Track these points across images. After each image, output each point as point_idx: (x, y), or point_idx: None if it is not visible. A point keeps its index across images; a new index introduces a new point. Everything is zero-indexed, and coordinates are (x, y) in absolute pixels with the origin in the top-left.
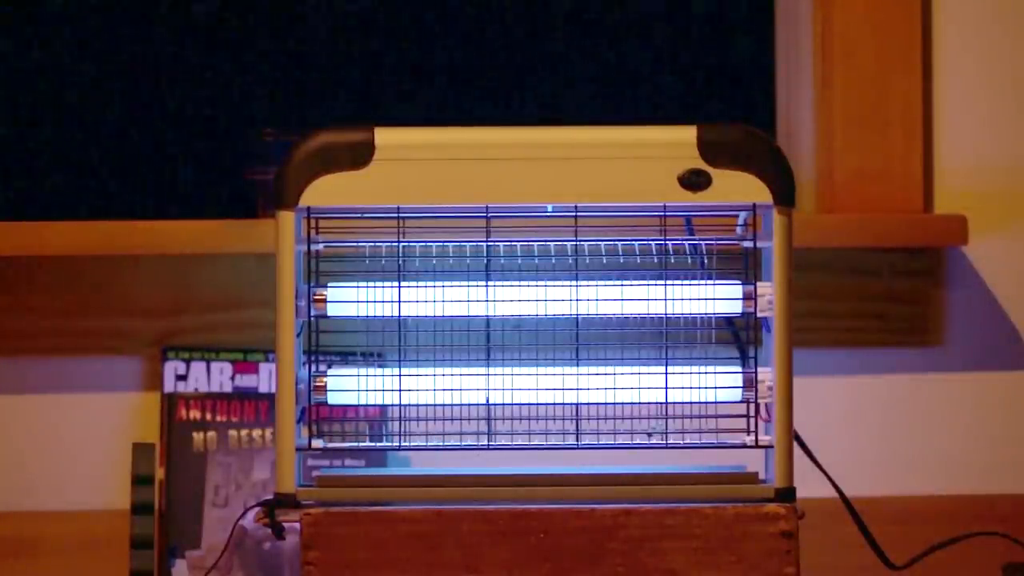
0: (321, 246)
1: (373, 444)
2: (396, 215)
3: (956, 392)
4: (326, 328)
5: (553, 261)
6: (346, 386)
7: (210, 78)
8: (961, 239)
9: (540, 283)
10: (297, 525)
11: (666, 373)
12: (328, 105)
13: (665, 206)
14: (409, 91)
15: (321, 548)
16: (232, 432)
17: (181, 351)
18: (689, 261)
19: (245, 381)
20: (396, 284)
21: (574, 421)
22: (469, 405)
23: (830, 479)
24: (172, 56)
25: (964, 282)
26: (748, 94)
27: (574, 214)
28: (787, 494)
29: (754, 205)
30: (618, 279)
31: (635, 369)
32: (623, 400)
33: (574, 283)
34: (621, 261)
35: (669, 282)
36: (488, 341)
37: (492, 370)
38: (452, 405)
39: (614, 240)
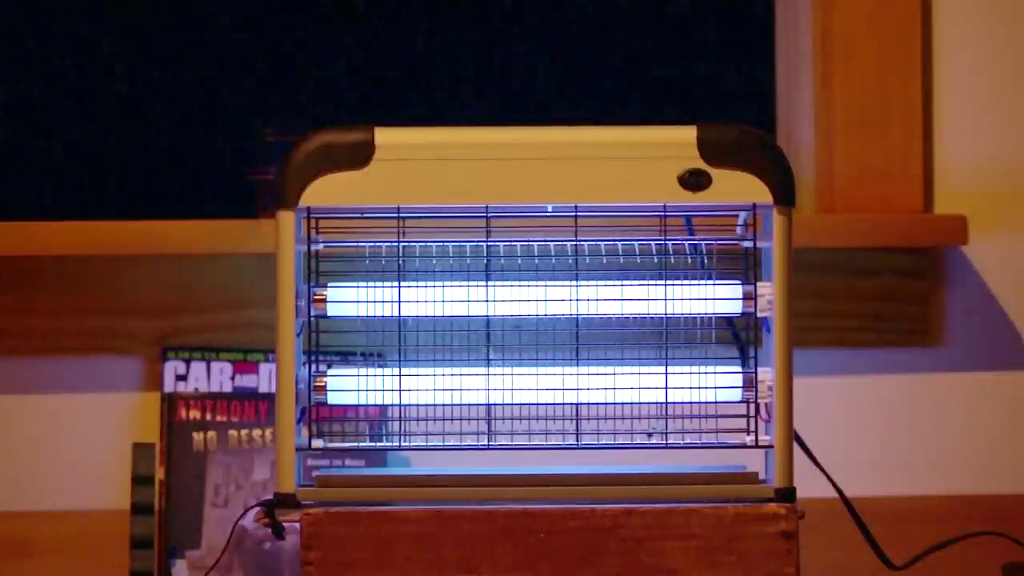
0: (321, 246)
1: (373, 444)
2: (396, 215)
3: (956, 392)
4: (326, 328)
5: (553, 261)
6: (346, 386)
7: (211, 77)
8: (961, 239)
9: (540, 283)
10: (297, 525)
11: (666, 373)
12: (328, 105)
13: (665, 206)
14: (409, 91)
15: (321, 548)
16: (232, 432)
17: (181, 351)
18: (689, 261)
19: (245, 381)
20: (396, 284)
21: (574, 421)
22: (469, 405)
23: (830, 479)
24: (173, 55)
25: (964, 282)
26: (748, 94)
27: (574, 214)
28: (787, 494)
29: (754, 205)
30: (618, 279)
31: (635, 369)
32: (623, 400)
33: (574, 283)
34: (621, 261)
35: (669, 282)
36: (488, 341)
37: (492, 370)
38: (452, 405)
39: (614, 240)
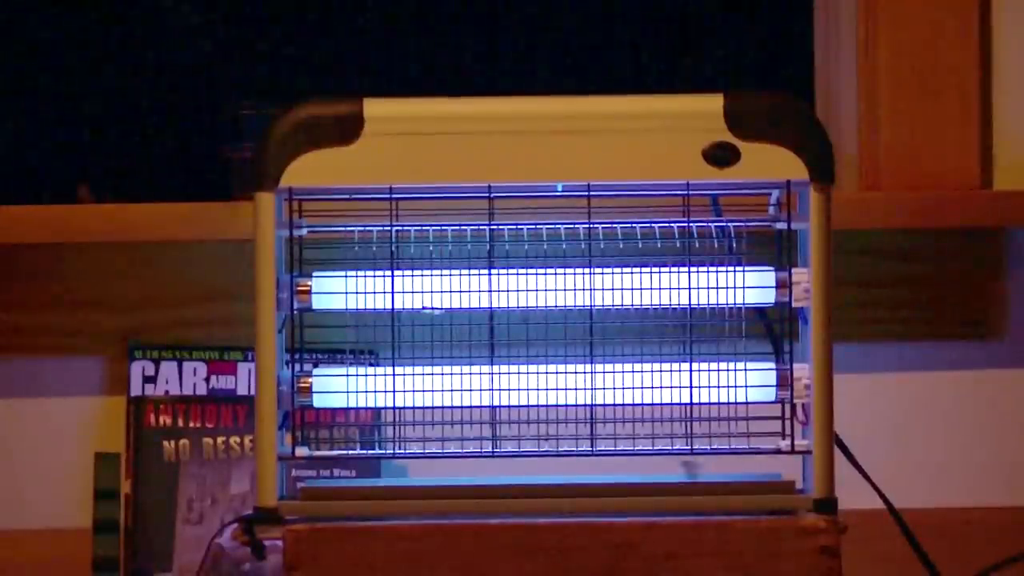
0: (305, 231)
1: (365, 452)
2: (388, 196)
3: (1019, 390)
4: (311, 323)
5: (564, 246)
6: (334, 387)
7: (181, 45)
8: (1023, 219)
9: (550, 271)
10: (280, 543)
11: (691, 371)
12: (312, 75)
13: (688, 184)
14: (402, 58)
15: (307, 568)
16: (207, 440)
17: (149, 349)
18: (716, 245)
19: (221, 383)
20: (389, 273)
21: (588, 425)
22: (471, 407)
23: (876, 488)
24: (138, 19)
25: None
26: (782, 57)
27: (587, 194)
28: (828, 505)
29: (788, 182)
30: (636, 266)
31: (656, 366)
32: (643, 401)
33: (587, 271)
34: (639, 246)
35: (693, 269)
36: (492, 336)
37: (497, 368)
38: (452, 407)
39: (632, 222)
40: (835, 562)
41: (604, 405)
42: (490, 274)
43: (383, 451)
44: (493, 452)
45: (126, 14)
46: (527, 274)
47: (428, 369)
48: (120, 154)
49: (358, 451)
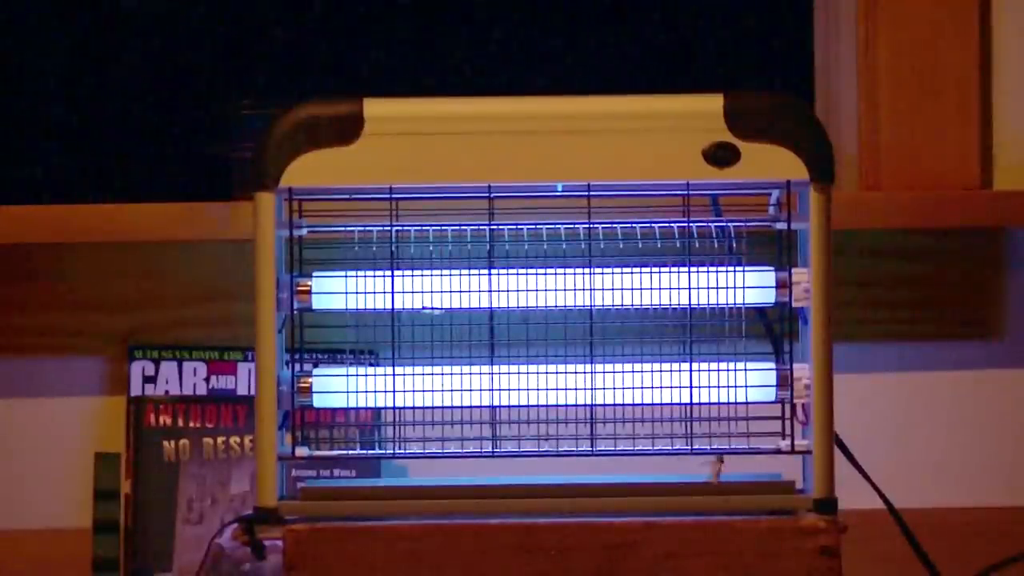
0: (305, 231)
1: (365, 452)
2: (388, 196)
3: (1018, 390)
4: (311, 323)
5: (564, 246)
6: (334, 387)
7: (180, 42)
8: (1023, 219)
9: (550, 271)
10: (280, 543)
11: (691, 371)
12: (312, 75)
13: (688, 184)
14: (401, 58)
15: (307, 568)
16: (207, 440)
17: (149, 349)
18: (716, 245)
19: (221, 383)
20: (389, 273)
21: (588, 425)
22: (471, 407)
23: (876, 488)
24: (136, 15)
25: None
26: (782, 57)
27: (587, 194)
28: (828, 505)
29: (788, 182)
30: (636, 266)
31: (656, 366)
32: (643, 401)
33: (587, 271)
34: (639, 246)
35: (693, 269)
36: (492, 336)
37: (497, 368)
38: (453, 407)
39: (632, 222)
40: (835, 562)
41: (604, 405)
42: (490, 274)
43: (383, 451)
44: (493, 452)
45: (126, 14)
46: (527, 274)
47: (428, 369)
48: (120, 154)
49: (358, 451)
